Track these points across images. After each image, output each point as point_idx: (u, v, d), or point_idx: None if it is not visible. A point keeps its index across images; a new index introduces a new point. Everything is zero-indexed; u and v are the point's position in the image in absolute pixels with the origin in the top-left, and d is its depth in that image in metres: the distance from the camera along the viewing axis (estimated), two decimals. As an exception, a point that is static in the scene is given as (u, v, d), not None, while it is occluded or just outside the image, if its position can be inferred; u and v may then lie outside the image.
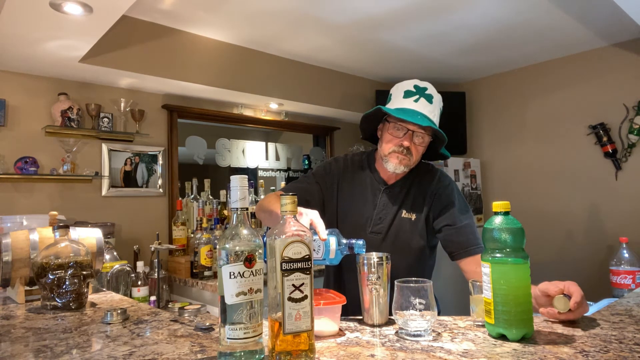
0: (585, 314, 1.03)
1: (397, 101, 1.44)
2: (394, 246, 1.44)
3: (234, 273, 0.76)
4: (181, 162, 3.20)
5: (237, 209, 0.81)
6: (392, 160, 1.41)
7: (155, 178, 3.07)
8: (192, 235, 2.81)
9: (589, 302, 1.59)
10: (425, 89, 1.44)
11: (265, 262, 0.81)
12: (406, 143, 1.39)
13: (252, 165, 3.69)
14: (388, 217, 1.47)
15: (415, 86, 1.44)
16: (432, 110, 1.42)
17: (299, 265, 0.77)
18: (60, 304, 1.25)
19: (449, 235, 1.43)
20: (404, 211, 1.47)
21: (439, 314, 1.52)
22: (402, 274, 1.31)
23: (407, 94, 1.43)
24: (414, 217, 1.47)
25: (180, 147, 3.21)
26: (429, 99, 1.42)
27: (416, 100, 1.41)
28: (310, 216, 1.05)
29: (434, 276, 1.57)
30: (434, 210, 1.47)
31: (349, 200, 1.51)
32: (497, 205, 0.92)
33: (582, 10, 2.84)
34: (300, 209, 1.05)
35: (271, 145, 3.86)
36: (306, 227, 0.98)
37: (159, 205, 3.07)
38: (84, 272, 1.28)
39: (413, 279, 0.96)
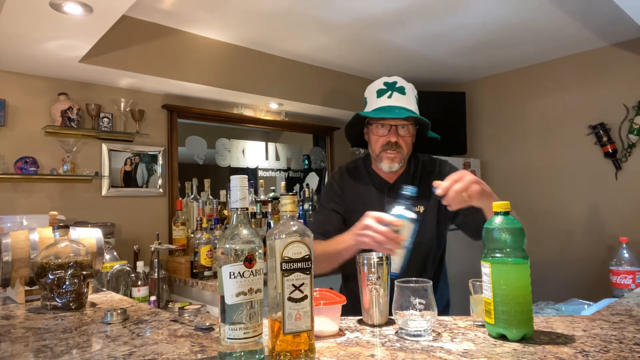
0: (585, 314, 1.03)
1: (372, 102, 1.49)
2: None
3: (234, 273, 0.76)
4: (181, 162, 3.20)
5: (237, 209, 0.81)
6: (385, 161, 1.45)
7: (155, 178, 3.07)
8: (192, 235, 2.81)
9: (589, 302, 1.59)
10: (395, 82, 1.48)
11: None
12: (393, 139, 1.43)
13: (252, 165, 3.69)
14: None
15: (385, 83, 1.49)
16: (407, 100, 1.46)
17: (299, 265, 0.77)
18: (60, 304, 1.25)
19: (466, 216, 1.43)
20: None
21: (448, 308, 1.54)
22: (415, 268, 1.35)
23: (380, 93, 1.47)
24: (421, 209, 1.48)
25: (180, 147, 3.21)
26: (401, 90, 1.46)
27: (389, 97, 1.45)
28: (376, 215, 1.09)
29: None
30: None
31: (358, 207, 1.51)
32: (497, 205, 0.92)
33: (582, 10, 2.84)
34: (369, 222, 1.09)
35: (271, 145, 3.86)
36: (306, 228, 0.98)
37: (159, 205, 3.07)
38: (84, 272, 1.28)
39: (413, 279, 0.96)
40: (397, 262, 1.12)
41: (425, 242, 1.49)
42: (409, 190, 1.15)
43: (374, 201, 1.51)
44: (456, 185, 1.14)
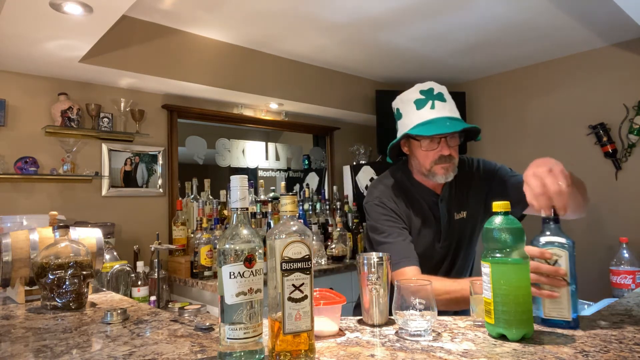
0: (585, 314, 1.03)
1: (412, 115, 1.38)
2: (457, 249, 1.45)
3: (234, 273, 0.76)
4: (181, 162, 3.20)
5: (237, 209, 0.81)
6: (439, 172, 1.37)
7: (155, 178, 3.07)
8: (192, 235, 2.81)
9: (589, 302, 1.60)
10: (432, 89, 1.39)
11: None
12: (446, 152, 1.35)
13: (252, 165, 3.69)
14: (450, 227, 1.45)
15: (422, 91, 1.39)
16: (451, 107, 1.37)
17: (299, 265, 0.77)
18: (60, 304, 1.25)
19: (514, 195, 1.35)
20: (455, 213, 1.46)
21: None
22: (457, 269, 1.39)
23: (419, 104, 1.37)
24: (464, 214, 1.46)
25: (180, 147, 3.21)
26: (441, 98, 1.37)
27: (432, 107, 1.35)
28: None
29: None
30: (482, 193, 1.46)
31: (414, 223, 1.45)
32: (497, 205, 0.92)
33: (582, 10, 2.84)
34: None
35: (271, 145, 3.86)
36: (306, 227, 0.98)
37: (159, 205, 3.07)
38: (84, 272, 1.28)
39: (413, 278, 0.96)
40: (563, 303, 0.89)
41: (466, 247, 1.48)
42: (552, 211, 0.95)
43: (427, 214, 1.45)
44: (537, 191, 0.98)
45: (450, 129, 1.31)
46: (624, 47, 3.37)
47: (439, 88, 1.39)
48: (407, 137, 1.41)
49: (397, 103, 1.45)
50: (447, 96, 1.39)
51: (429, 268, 1.39)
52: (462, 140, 1.40)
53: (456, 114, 1.37)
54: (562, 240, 0.91)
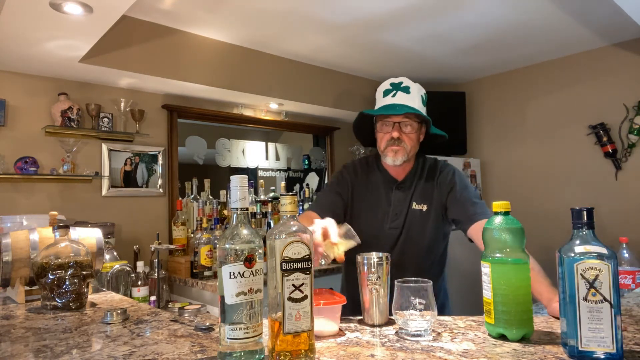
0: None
1: (378, 102, 1.55)
2: (409, 237, 1.50)
3: (234, 273, 0.76)
4: (181, 162, 3.20)
5: (237, 209, 0.81)
6: (389, 154, 1.49)
7: (155, 178, 3.07)
8: (192, 235, 2.81)
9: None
10: (401, 83, 1.53)
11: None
12: (395, 134, 1.47)
13: (252, 165, 3.69)
14: (403, 212, 1.52)
15: (391, 83, 1.54)
16: (411, 99, 1.50)
17: (299, 265, 0.77)
18: (60, 304, 1.25)
19: (455, 212, 1.48)
20: (415, 203, 1.53)
21: (444, 310, 1.56)
22: (414, 265, 1.42)
23: (385, 93, 1.53)
24: (424, 207, 1.52)
25: (180, 147, 3.21)
26: (406, 90, 1.51)
27: (394, 95, 1.51)
28: (325, 224, 1.09)
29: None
30: (442, 196, 1.53)
31: (365, 200, 1.58)
32: (497, 205, 0.92)
33: (582, 10, 2.84)
34: (316, 222, 1.10)
35: (271, 145, 3.86)
36: (306, 227, 0.98)
37: (159, 205, 3.07)
38: (84, 272, 1.28)
39: (413, 279, 0.96)
40: (605, 330, 0.72)
41: (428, 240, 1.52)
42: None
43: (381, 196, 1.56)
44: None
45: (396, 111, 1.45)
46: (624, 47, 3.37)
47: (408, 83, 1.54)
48: (372, 121, 1.57)
49: (376, 93, 1.61)
50: (415, 91, 1.52)
51: (377, 250, 1.49)
52: (420, 127, 1.51)
53: (414, 105, 1.49)
54: (603, 250, 0.73)
